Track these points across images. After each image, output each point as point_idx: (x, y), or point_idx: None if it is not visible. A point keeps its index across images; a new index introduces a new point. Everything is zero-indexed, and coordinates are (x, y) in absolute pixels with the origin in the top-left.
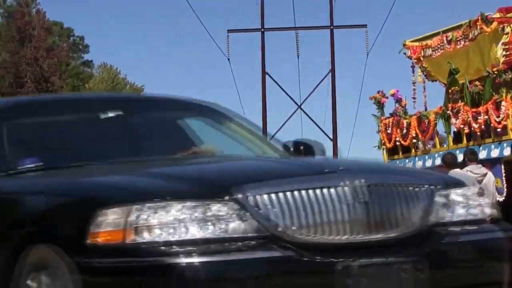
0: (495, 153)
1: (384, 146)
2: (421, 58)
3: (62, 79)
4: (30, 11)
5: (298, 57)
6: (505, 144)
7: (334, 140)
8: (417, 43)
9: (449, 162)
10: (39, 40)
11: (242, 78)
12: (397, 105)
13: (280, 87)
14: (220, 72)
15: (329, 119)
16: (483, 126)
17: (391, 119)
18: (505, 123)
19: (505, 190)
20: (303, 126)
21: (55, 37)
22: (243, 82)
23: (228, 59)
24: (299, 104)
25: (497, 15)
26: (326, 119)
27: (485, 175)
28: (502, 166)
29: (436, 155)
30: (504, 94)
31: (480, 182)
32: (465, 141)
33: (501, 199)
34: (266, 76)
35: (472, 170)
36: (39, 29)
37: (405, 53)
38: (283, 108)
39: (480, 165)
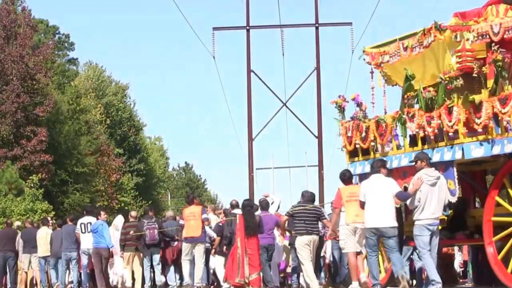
0: (447, 156)
1: (345, 149)
2: (380, 64)
3: (47, 77)
4: (16, 9)
5: (283, 55)
6: (456, 148)
7: (319, 137)
8: (375, 50)
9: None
10: (25, 38)
11: (227, 76)
12: (357, 109)
13: (266, 85)
14: (206, 70)
15: (315, 117)
16: (436, 130)
17: (351, 123)
18: (456, 127)
19: (457, 191)
20: (288, 124)
21: (41, 35)
22: (228, 80)
23: (213, 57)
24: (284, 102)
25: (453, 20)
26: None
27: (438, 178)
28: (454, 169)
29: (393, 157)
30: (455, 100)
31: (434, 185)
32: (420, 144)
33: (453, 200)
34: (252, 74)
35: (428, 173)
36: (24, 27)
37: (364, 59)
38: (268, 106)
39: (433, 169)
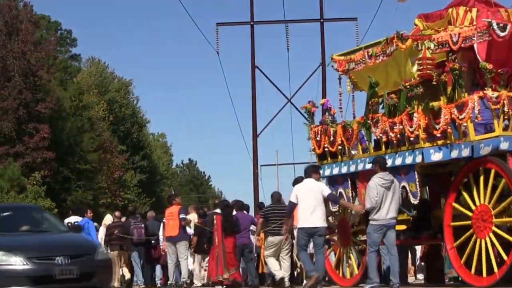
0: (409, 160)
1: (314, 152)
2: (347, 71)
3: (49, 73)
4: (17, 5)
5: (288, 50)
6: (417, 152)
7: None
8: (342, 57)
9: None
10: (27, 34)
11: (231, 72)
12: (326, 114)
13: (270, 81)
14: (210, 66)
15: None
16: (398, 135)
17: (320, 127)
18: (417, 133)
19: (418, 193)
20: (293, 120)
21: (43, 31)
22: (232, 76)
23: (217, 53)
24: (289, 98)
25: (416, 21)
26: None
27: (392, 181)
28: (416, 172)
29: (359, 161)
30: (416, 107)
31: (388, 188)
32: (383, 148)
33: (415, 201)
34: (256, 70)
35: (382, 177)
36: (26, 22)
37: (332, 66)
38: (273, 102)
39: (387, 173)
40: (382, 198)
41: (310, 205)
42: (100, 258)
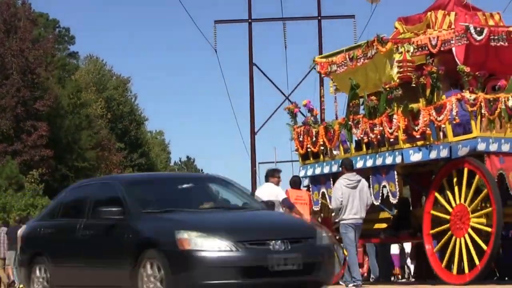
0: (389, 160)
1: (297, 152)
2: (329, 73)
3: (47, 71)
4: (16, 3)
5: (285, 48)
6: (397, 153)
7: None
8: (324, 60)
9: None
10: (25, 32)
11: (229, 69)
12: (309, 114)
13: (268, 78)
14: (207, 63)
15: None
16: (379, 136)
17: (302, 128)
18: (396, 134)
19: (398, 193)
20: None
21: (41, 29)
22: (230, 73)
23: (215, 50)
24: (287, 95)
25: (396, 24)
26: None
27: (359, 181)
28: (395, 172)
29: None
30: (395, 108)
31: (354, 188)
32: (364, 149)
33: (394, 201)
34: (254, 67)
35: (348, 178)
36: (24, 20)
37: (315, 68)
38: (271, 100)
39: (355, 173)
40: (348, 198)
41: None
42: (323, 244)
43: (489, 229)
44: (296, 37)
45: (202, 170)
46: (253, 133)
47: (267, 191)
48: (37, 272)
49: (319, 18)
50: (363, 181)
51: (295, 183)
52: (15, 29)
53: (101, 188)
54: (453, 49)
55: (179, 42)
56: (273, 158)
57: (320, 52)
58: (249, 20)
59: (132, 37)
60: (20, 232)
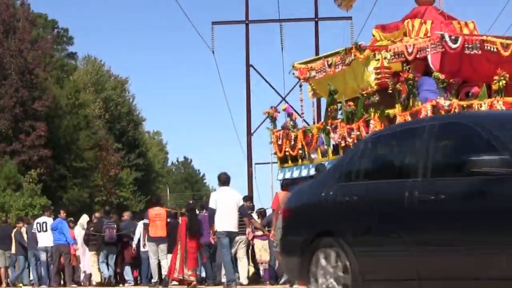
0: None
1: (276, 155)
2: (308, 79)
3: (46, 71)
4: (15, 3)
5: (282, 49)
6: None
7: None
8: (303, 65)
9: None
10: (24, 32)
11: (226, 70)
12: (288, 119)
13: (265, 79)
14: (205, 65)
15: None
16: (356, 141)
17: (281, 132)
18: None
19: None
20: (288, 118)
21: (39, 29)
22: (227, 74)
23: (213, 51)
24: (283, 96)
25: (374, 32)
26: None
27: None
28: None
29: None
30: (372, 114)
31: None
32: (341, 153)
33: None
34: (251, 68)
35: None
36: (23, 21)
37: (294, 74)
38: (267, 101)
39: None
40: None
41: (228, 211)
42: None
43: None
44: (293, 38)
45: (199, 170)
46: (249, 134)
47: (226, 195)
48: (322, 260)
49: (316, 19)
50: None
51: (285, 186)
52: (14, 29)
53: (443, 132)
54: (428, 56)
55: (177, 43)
56: (269, 159)
57: (317, 54)
58: (246, 22)
59: (130, 38)
60: (284, 202)
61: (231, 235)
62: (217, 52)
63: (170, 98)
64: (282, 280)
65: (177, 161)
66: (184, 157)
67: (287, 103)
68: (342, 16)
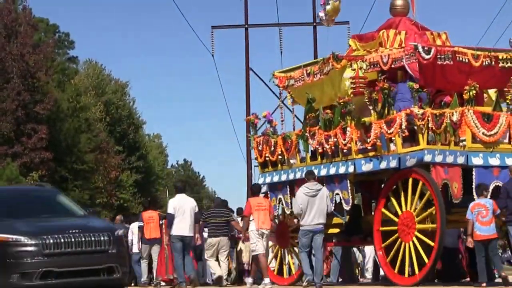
0: (342, 170)
1: (256, 160)
2: (287, 87)
3: (48, 75)
4: (17, 8)
5: (281, 53)
6: (349, 163)
7: None
8: (283, 74)
9: (255, 190)
10: (25, 37)
11: (226, 74)
12: (268, 125)
13: (264, 83)
14: (205, 68)
15: None
16: (333, 147)
17: (262, 138)
18: (349, 145)
19: (350, 200)
20: (286, 122)
21: (41, 34)
22: (227, 78)
23: (212, 55)
24: (282, 100)
25: (351, 42)
26: None
27: (319, 190)
28: (348, 181)
29: (297, 169)
30: (349, 121)
31: (314, 196)
32: (319, 159)
33: (347, 208)
34: (250, 72)
35: (308, 187)
36: (25, 25)
37: (274, 82)
38: (267, 104)
39: (316, 182)
40: (307, 206)
41: (184, 217)
42: None
43: (434, 226)
44: (292, 42)
45: (198, 172)
46: (249, 137)
47: (184, 201)
48: None
49: (315, 24)
50: (324, 189)
51: (254, 190)
52: (16, 34)
53: None
54: (406, 66)
55: (177, 47)
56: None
57: (315, 57)
58: (246, 26)
59: (130, 42)
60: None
61: (184, 239)
62: (217, 56)
63: (170, 101)
64: (250, 281)
65: (177, 163)
66: (184, 160)
67: (286, 106)
68: (340, 21)
